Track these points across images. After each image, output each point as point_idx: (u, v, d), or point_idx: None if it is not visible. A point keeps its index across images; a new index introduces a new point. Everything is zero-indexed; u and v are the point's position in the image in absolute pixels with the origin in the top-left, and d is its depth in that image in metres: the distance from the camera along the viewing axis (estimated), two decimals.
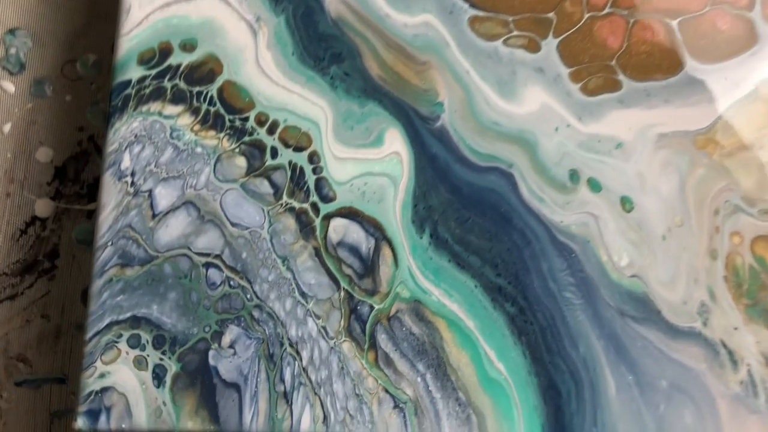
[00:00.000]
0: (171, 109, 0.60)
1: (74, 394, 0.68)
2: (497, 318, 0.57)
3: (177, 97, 0.60)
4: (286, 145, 0.59)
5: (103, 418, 0.55)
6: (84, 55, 0.77)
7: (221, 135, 0.59)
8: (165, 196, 0.58)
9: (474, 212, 0.58)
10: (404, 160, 0.59)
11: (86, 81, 0.77)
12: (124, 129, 0.59)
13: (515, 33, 0.60)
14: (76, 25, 0.77)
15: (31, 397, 0.71)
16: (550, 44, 0.60)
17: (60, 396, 0.70)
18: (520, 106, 0.59)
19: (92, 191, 0.74)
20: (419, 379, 0.56)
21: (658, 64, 0.60)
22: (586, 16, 0.60)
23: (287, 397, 0.56)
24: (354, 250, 0.58)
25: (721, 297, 0.57)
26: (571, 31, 0.60)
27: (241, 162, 0.59)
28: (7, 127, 0.75)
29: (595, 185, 0.59)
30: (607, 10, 0.61)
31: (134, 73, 0.60)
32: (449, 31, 0.60)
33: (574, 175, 0.59)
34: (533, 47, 0.60)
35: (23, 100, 0.76)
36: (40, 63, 0.77)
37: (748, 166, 0.59)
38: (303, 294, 0.57)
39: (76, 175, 0.76)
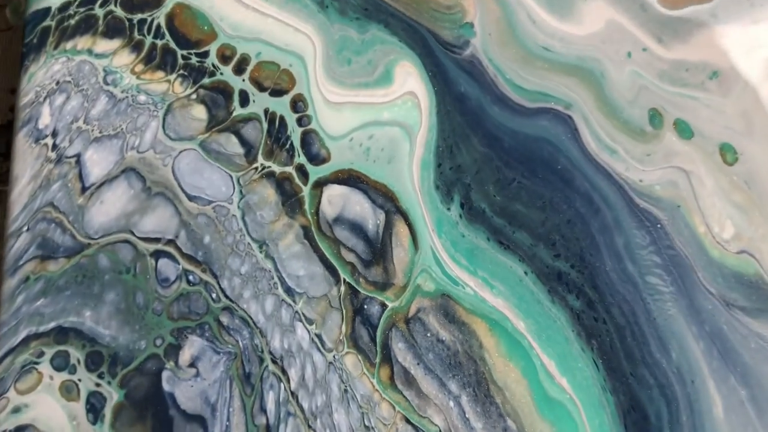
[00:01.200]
0: (104, 46, 0.45)
1: None
2: (557, 316, 0.42)
3: (112, 29, 0.46)
4: (261, 88, 0.45)
5: None
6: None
7: (172, 77, 0.45)
8: (98, 163, 0.44)
9: (520, 172, 0.44)
10: (422, 103, 0.46)
11: (18, 31, 0.62)
12: (41, 74, 0.45)
13: None
14: None
15: None
16: None
17: None
18: (577, 26, 0.46)
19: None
20: (452, 403, 0.41)
21: None
22: None
23: None
24: (357, 229, 0.43)
25: None
26: None
27: (200, 112, 0.45)
28: None
29: (684, 130, 0.44)
30: None
31: None
32: None
33: (655, 117, 0.44)
34: None
35: None
36: None
37: None
38: (289, 290, 0.42)
39: (8, 148, 0.61)
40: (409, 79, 0.45)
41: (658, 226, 0.44)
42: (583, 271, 0.44)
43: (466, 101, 0.45)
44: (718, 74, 0.46)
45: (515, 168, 0.45)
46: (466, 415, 0.42)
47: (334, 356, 0.42)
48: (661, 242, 0.44)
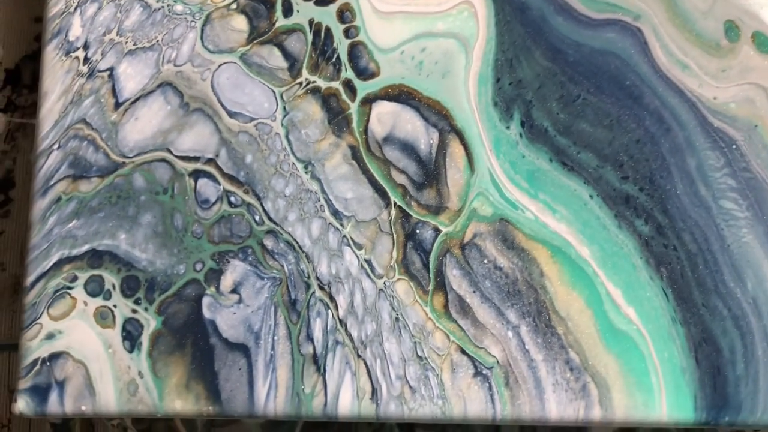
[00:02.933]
0: None
1: None
2: (624, 242, 0.39)
3: None
4: None
5: (53, 397, 0.39)
6: None
7: None
8: (132, 77, 0.41)
9: (586, 87, 0.41)
10: (479, 12, 0.42)
11: None
12: None
13: None
14: None
15: None
16: None
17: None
18: None
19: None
20: (511, 334, 0.39)
21: None
22: None
23: (318, 362, 0.38)
24: (409, 149, 0.40)
25: None
26: None
27: (241, 23, 0.41)
28: None
29: (763, 43, 0.41)
30: None
31: None
32: None
33: (731, 30, 0.41)
34: None
35: None
36: None
37: None
38: (336, 213, 0.40)
39: (34, 79, 0.58)
40: None
41: (734, 146, 0.41)
42: (652, 195, 0.40)
43: (527, 11, 0.41)
44: None
45: (580, 83, 0.41)
46: (526, 347, 0.39)
47: (384, 283, 0.40)
48: (736, 164, 0.41)
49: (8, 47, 0.59)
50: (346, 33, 0.42)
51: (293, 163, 0.41)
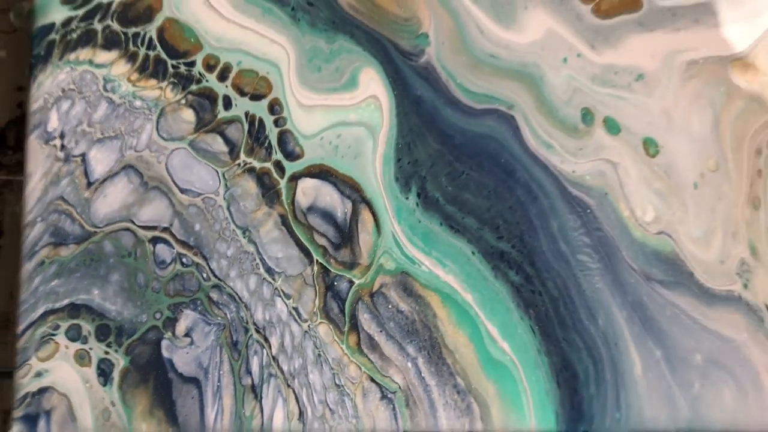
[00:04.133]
0: (103, 57, 0.51)
1: None
2: (500, 289, 0.48)
3: (110, 42, 0.51)
4: (242, 93, 0.50)
5: (42, 423, 0.47)
6: (18, 4, 0.67)
7: (164, 84, 0.50)
8: (101, 161, 0.49)
9: (469, 165, 0.49)
10: (383, 105, 0.50)
11: (23, 34, 0.67)
12: (49, 83, 0.50)
13: None
14: None
15: None
16: None
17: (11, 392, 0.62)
18: (520, 34, 0.50)
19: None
20: (410, 365, 0.48)
21: None
22: None
23: (255, 391, 0.48)
24: (327, 216, 0.49)
25: (765, 253, 0.48)
26: None
27: (189, 116, 0.50)
28: None
29: (612, 126, 0.50)
30: None
31: (58, 14, 0.51)
32: None
33: (587, 115, 0.50)
34: None
35: None
36: None
37: None
38: (269, 270, 0.49)
39: (18, 141, 0.67)
40: (372, 84, 0.51)
41: (588, 211, 0.51)
42: (522, 251, 0.50)
43: (422, 103, 0.51)
44: (643, 76, 0.51)
45: (464, 162, 0.51)
46: (422, 375, 0.49)
47: (308, 326, 0.49)
48: (590, 225, 0.51)
49: None
50: (276, 123, 0.51)
51: (234, 230, 0.50)
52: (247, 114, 0.51)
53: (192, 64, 0.51)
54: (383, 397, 0.49)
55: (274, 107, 0.51)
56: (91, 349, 0.49)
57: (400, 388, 0.49)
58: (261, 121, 0.51)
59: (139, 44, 0.51)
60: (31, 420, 0.48)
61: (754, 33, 0.51)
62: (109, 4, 0.51)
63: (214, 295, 0.50)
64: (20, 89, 0.66)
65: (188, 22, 0.51)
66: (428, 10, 0.51)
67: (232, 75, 0.51)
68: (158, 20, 0.52)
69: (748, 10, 0.51)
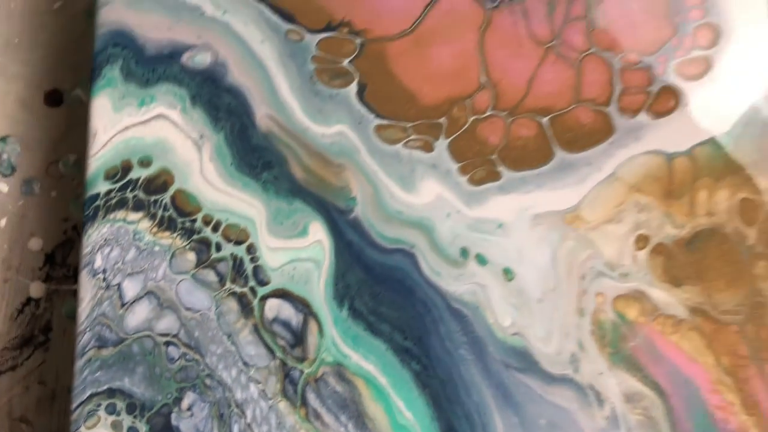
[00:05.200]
0: (133, 216, 0.72)
1: None
2: (405, 375, 0.69)
3: (137, 206, 0.72)
4: (228, 240, 0.72)
5: None
6: (65, 156, 0.90)
7: (175, 235, 0.72)
8: (131, 288, 0.71)
9: (384, 287, 0.70)
10: (326, 246, 0.71)
11: (68, 179, 0.90)
12: (95, 235, 0.72)
13: (413, 137, 0.73)
14: (58, 131, 0.91)
15: None
16: (441, 145, 0.73)
17: None
18: (418, 197, 0.72)
19: (78, 273, 0.87)
20: (342, 429, 0.68)
21: (532, 156, 0.72)
22: (471, 119, 0.73)
23: None
24: (286, 325, 0.70)
25: (589, 347, 0.69)
26: (459, 132, 0.73)
27: (191, 257, 0.72)
28: (2, 222, 0.89)
29: (481, 260, 0.70)
30: (488, 113, 0.73)
31: (102, 187, 0.73)
32: (359, 138, 0.73)
33: (464, 252, 0.71)
34: (428, 148, 0.72)
35: (15, 198, 0.89)
36: (28, 165, 0.90)
37: (608, 238, 0.71)
38: (245, 363, 0.70)
39: (63, 259, 0.89)
40: (318, 233, 0.72)
41: (465, 319, 0.71)
42: (421, 347, 0.71)
43: (351, 245, 0.72)
44: (503, 225, 0.72)
45: (381, 285, 0.71)
46: None
47: (272, 402, 0.70)
48: (466, 329, 0.71)
49: (46, 239, 0.90)
50: (251, 260, 0.73)
51: (221, 336, 0.72)
52: (232, 254, 0.73)
53: (194, 221, 0.73)
54: None
55: (251, 249, 0.72)
56: (122, 419, 0.70)
57: None
58: (241, 259, 0.72)
59: (157, 207, 0.74)
60: None
61: (580, 194, 0.73)
62: (137, 180, 0.74)
63: (208, 381, 0.71)
64: (65, 220, 0.88)
65: (192, 191, 0.74)
66: (356, 181, 0.74)
67: (221, 228, 0.73)
68: (171, 190, 0.74)
69: (575, 179, 0.73)
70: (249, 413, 0.69)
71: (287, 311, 0.70)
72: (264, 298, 0.70)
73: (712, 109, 0.72)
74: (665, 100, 0.73)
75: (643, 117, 0.72)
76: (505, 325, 0.69)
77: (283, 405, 0.69)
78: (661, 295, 0.69)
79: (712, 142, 0.72)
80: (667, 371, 0.68)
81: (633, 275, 0.69)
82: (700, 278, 0.70)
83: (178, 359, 0.70)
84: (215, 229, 0.72)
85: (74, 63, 0.88)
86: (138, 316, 0.70)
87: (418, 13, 0.74)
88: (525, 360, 0.68)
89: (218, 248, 0.72)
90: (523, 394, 0.68)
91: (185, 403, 0.69)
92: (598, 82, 0.73)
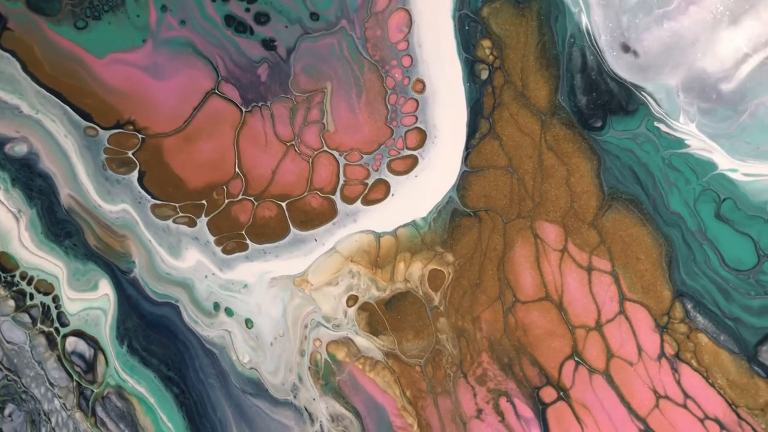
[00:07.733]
0: None
1: None
2: (168, 396, 0.90)
3: None
4: (39, 292, 0.93)
5: None
6: None
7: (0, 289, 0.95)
8: None
9: (154, 331, 0.90)
10: (111, 299, 0.88)
11: None
12: None
13: (180, 214, 0.92)
14: None
15: None
16: (202, 221, 0.91)
17: None
18: (183, 262, 0.87)
19: None
20: None
21: (272, 232, 0.91)
22: (227, 201, 0.92)
23: None
24: (81, 356, 0.93)
25: (306, 380, 0.90)
26: (217, 211, 0.91)
27: (12, 303, 0.93)
28: None
29: (229, 312, 0.84)
30: (240, 197, 0.92)
31: None
32: (138, 214, 0.90)
33: (216, 306, 0.87)
34: (192, 223, 0.90)
35: None
36: None
37: (327, 297, 0.91)
38: (51, 384, 0.93)
39: None
40: (106, 287, 0.90)
41: (215, 356, 0.94)
42: (181, 376, 0.92)
43: (131, 298, 0.92)
44: (248, 286, 0.92)
45: (153, 329, 0.90)
46: None
47: (71, 413, 0.94)
48: (216, 363, 0.93)
49: None
50: (56, 306, 0.95)
51: (34, 363, 0.95)
52: (41, 302, 0.93)
53: (14, 276, 0.94)
54: None
55: (55, 299, 0.89)
56: None
57: None
58: (48, 306, 0.91)
59: None
60: None
61: (307, 263, 0.92)
62: None
63: (23, 396, 0.94)
64: None
65: (12, 253, 0.93)
66: (135, 248, 0.93)
67: (34, 282, 0.92)
68: None
69: (305, 251, 0.93)
70: (53, 420, 0.93)
71: (82, 346, 0.92)
72: (65, 336, 0.93)
73: (414, 198, 0.91)
74: (378, 191, 0.91)
75: (359, 204, 0.91)
76: (244, 361, 0.87)
77: (78, 415, 0.93)
78: (363, 341, 0.88)
79: (412, 224, 0.91)
80: (364, 399, 0.87)
81: (343, 326, 0.88)
82: (395, 330, 0.90)
83: (1, 379, 0.94)
84: (29, 282, 0.93)
85: None
86: None
87: (188, 114, 0.91)
88: (258, 387, 0.84)
89: (31, 297, 0.93)
90: (255, 413, 0.87)
91: (7, 411, 0.94)
92: (327, 174, 0.90)
